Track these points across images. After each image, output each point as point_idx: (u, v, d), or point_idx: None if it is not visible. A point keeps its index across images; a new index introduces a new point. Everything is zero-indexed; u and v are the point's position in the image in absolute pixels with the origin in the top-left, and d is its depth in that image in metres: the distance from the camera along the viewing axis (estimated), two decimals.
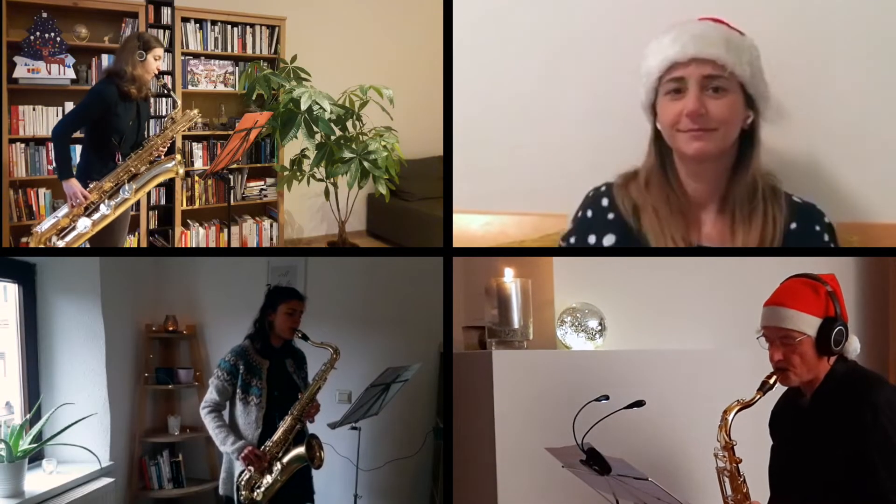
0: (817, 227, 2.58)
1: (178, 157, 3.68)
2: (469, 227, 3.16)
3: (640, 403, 2.47)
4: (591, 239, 2.71)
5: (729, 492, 2.32)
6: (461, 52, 3.13)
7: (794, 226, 2.57)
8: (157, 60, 3.50)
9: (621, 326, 3.23)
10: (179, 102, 3.80)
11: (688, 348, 3.19)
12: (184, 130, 3.70)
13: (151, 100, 4.47)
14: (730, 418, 2.31)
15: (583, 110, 3.04)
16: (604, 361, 3.01)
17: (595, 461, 2.29)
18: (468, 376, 3.16)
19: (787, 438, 2.35)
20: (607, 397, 2.48)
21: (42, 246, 3.47)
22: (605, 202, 2.69)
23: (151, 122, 4.58)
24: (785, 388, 2.38)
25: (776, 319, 2.25)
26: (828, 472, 2.17)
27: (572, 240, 2.77)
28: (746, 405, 2.31)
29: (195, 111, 3.76)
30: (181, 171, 3.66)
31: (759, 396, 2.29)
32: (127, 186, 3.51)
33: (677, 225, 2.60)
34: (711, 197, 2.62)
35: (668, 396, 2.97)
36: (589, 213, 2.73)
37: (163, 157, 3.61)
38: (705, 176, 2.60)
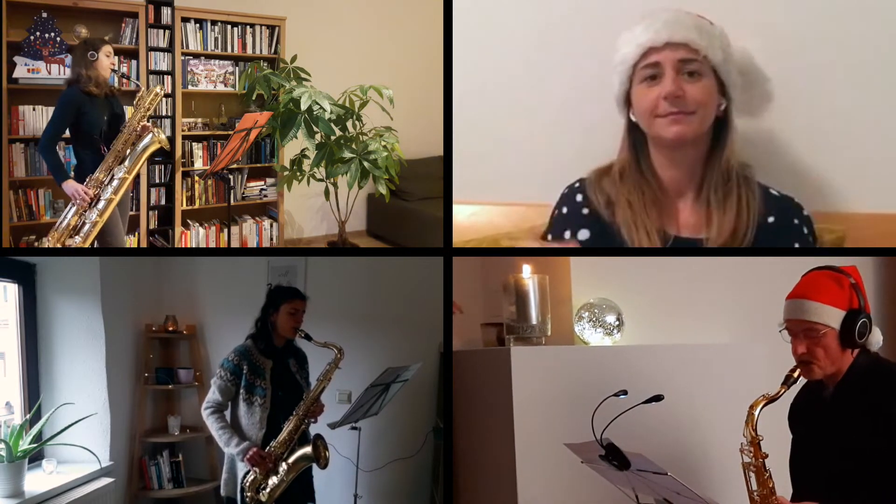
0: (796, 221, 2.60)
1: (156, 128, 3.80)
2: (456, 217, 3.17)
3: (658, 398, 2.47)
4: (567, 234, 2.72)
5: (755, 487, 2.30)
6: (461, 51, 3.14)
7: (771, 219, 2.58)
8: (108, 57, 3.74)
9: (639, 321, 3.23)
10: (137, 83, 4.08)
11: (705, 342, 3.20)
12: (154, 103, 3.85)
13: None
14: (756, 413, 2.29)
15: (570, 100, 3.05)
16: (622, 357, 3.01)
17: (614, 456, 2.29)
18: (486, 373, 3.17)
19: (810, 432, 2.34)
20: (626, 392, 2.49)
21: (60, 247, 3.60)
22: (579, 198, 2.72)
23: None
24: (804, 382, 2.37)
25: (800, 312, 2.24)
26: (853, 465, 2.17)
27: (549, 237, 2.80)
28: (772, 399, 2.29)
29: (158, 87, 3.93)
30: (163, 136, 3.79)
31: (783, 391, 2.28)
32: (118, 169, 3.67)
33: (651, 216, 2.62)
34: (688, 185, 2.64)
35: (687, 391, 2.98)
36: (564, 210, 2.75)
37: (142, 134, 3.77)
38: (681, 163, 2.62)
